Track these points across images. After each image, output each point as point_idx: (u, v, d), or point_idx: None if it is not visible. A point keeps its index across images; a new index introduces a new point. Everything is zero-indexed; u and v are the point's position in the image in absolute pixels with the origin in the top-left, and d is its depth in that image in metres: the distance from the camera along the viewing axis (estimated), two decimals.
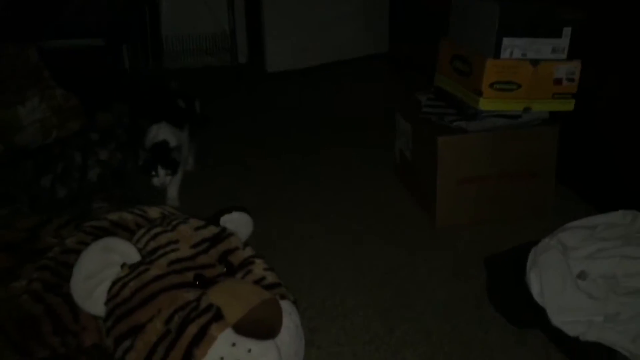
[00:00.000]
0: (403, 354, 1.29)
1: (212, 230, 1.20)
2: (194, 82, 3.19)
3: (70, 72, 2.51)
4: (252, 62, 3.78)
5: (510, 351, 1.29)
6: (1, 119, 2.08)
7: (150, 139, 1.88)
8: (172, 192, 1.94)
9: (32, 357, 1.16)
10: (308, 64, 3.54)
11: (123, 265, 1.11)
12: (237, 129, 2.70)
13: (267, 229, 1.77)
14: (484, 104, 1.71)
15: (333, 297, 1.50)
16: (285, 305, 1.10)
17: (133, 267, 1.10)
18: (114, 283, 1.09)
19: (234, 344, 1.00)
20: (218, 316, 1.02)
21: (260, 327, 1.03)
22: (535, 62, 1.70)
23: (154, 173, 1.82)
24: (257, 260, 1.20)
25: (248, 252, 1.21)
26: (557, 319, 1.25)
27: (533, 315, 1.30)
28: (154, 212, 1.33)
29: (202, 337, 1.00)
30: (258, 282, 1.15)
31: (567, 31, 1.70)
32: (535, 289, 1.30)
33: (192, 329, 1.01)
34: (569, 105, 1.76)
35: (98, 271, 1.09)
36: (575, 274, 1.31)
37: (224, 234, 1.21)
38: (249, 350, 1.00)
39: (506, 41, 1.67)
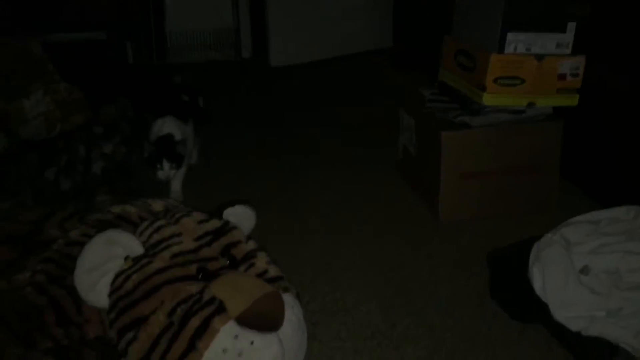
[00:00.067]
0: (405, 348, 1.30)
1: (215, 223, 1.21)
2: (197, 77, 3.19)
3: (74, 66, 2.52)
4: (256, 57, 3.77)
5: (513, 346, 1.29)
6: (6, 112, 2.08)
7: (156, 132, 1.88)
8: (176, 186, 1.94)
9: (35, 349, 1.17)
10: (312, 58, 3.54)
11: (126, 258, 1.11)
12: (240, 124, 2.70)
13: (270, 224, 1.77)
14: (488, 99, 1.71)
15: (335, 292, 1.50)
16: (288, 299, 1.10)
17: (136, 259, 1.11)
18: (117, 275, 1.10)
19: (236, 337, 1.00)
20: (221, 309, 1.02)
21: (262, 319, 1.04)
22: (539, 57, 1.69)
23: (159, 166, 1.83)
24: (260, 254, 1.20)
25: (251, 245, 1.21)
26: (560, 314, 1.25)
27: (535, 310, 1.30)
28: (157, 205, 1.33)
29: (204, 330, 1.00)
30: (260, 275, 1.15)
31: (571, 26, 1.70)
32: (537, 284, 1.30)
33: (195, 322, 1.01)
34: (573, 101, 1.75)
35: (101, 263, 1.09)
36: (578, 269, 1.31)
37: (227, 227, 1.21)
38: (252, 343, 1.00)
39: (510, 36, 1.67)
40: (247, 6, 3.76)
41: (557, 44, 1.71)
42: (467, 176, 1.78)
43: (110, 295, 1.09)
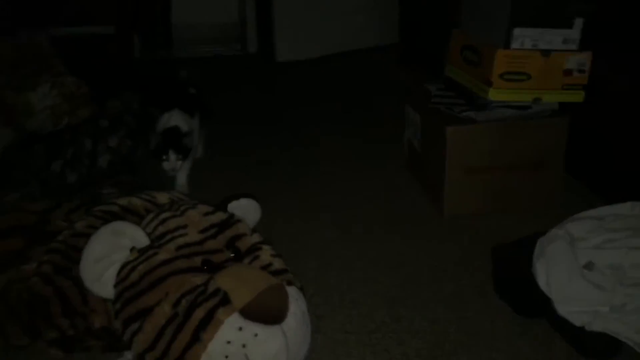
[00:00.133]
0: (408, 342, 1.30)
1: (220, 216, 1.21)
2: (203, 72, 3.20)
3: (81, 60, 2.52)
4: (261, 51, 3.77)
5: (516, 341, 1.29)
6: (13, 104, 2.09)
7: (162, 124, 1.90)
8: (182, 179, 1.95)
9: (41, 338, 1.18)
10: (318, 54, 3.54)
11: (132, 249, 1.12)
12: (245, 119, 2.71)
13: (275, 218, 1.78)
14: (494, 95, 1.71)
15: (339, 285, 1.50)
16: (292, 291, 1.11)
17: (142, 251, 1.12)
18: (122, 266, 1.11)
19: (240, 329, 1.01)
20: (225, 301, 1.03)
21: (266, 312, 1.04)
22: (546, 53, 1.69)
23: (165, 157, 1.84)
24: (265, 247, 1.21)
25: (256, 238, 1.22)
26: (563, 309, 1.25)
27: (539, 305, 1.30)
28: (162, 197, 1.34)
29: (209, 321, 1.01)
30: (265, 268, 1.16)
31: (578, 22, 1.69)
32: (541, 279, 1.30)
33: (200, 313, 1.02)
34: (579, 97, 1.75)
35: (107, 254, 1.10)
36: (582, 264, 1.30)
37: (232, 220, 1.22)
38: (256, 335, 1.01)
39: (517, 31, 1.67)
40: (253, 1, 3.76)
41: (563, 40, 1.71)
42: (472, 171, 1.78)
43: (115, 286, 1.10)
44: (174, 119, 1.91)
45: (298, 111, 2.79)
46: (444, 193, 1.79)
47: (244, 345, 1.01)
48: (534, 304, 1.32)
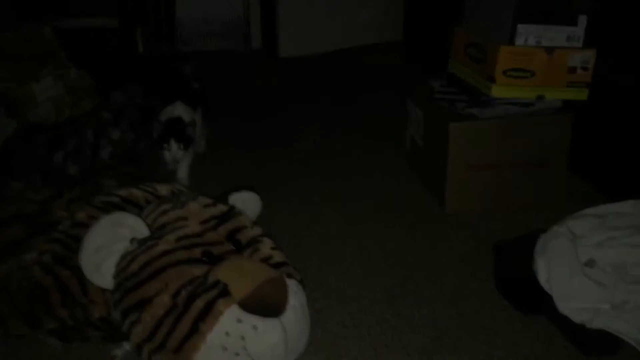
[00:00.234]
0: (408, 337, 1.30)
1: (221, 208, 1.21)
2: (206, 67, 3.19)
3: (85, 52, 2.53)
4: (265, 47, 3.77)
5: (516, 337, 1.29)
6: (16, 95, 2.10)
7: (166, 114, 1.90)
8: (183, 172, 1.95)
9: (41, 328, 1.18)
10: (321, 50, 3.53)
11: (132, 240, 1.12)
12: (248, 114, 2.71)
13: (276, 212, 1.78)
14: (497, 91, 1.70)
15: (340, 280, 1.50)
16: (292, 284, 1.11)
17: (142, 241, 1.12)
18: (122, 257, 1.11)
19: (239, 320, 1.01)
20: (225, 292, 1.03)
21: (266, 304, 1.04)
22: (549, 50, 1.68)
23: (166, 146, 1.84)
24: (265, 239, 1.21)
25: (256, 230, 1.22)
26: (564, 306, 1.25)
27: (540, 302, 1.30)
28: (163, 189, 1.34)
29: (208, 312, 1.01)
30: (265, 260, 1.16)
31: (582, 19, 1.69)
32: (542, 276, 1.30)
33: (199, 304, 1.02)
34: (582, 95, 1.74)
35: (107, 245, 1.10)
36: (584, 261, 1.30)
37: (232, 212, 1.22)
38: (254, 327, 1.01)
39: (521, 28, 1.66)
40: None
41: (567, 37, 1.70)
42: (474, 168, 1.77)
43: (115, 276, 1.10)
44: (177, 110, 1.92)
45: (300, 106, 2.79)
46: (446, 190, 1.79)
47: (242, 337, 1.01)
48: (535, 301, 1.32)
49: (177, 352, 1.01)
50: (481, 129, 1.75)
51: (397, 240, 1.68)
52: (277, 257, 1.18)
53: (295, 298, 1.09)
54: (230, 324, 1.01)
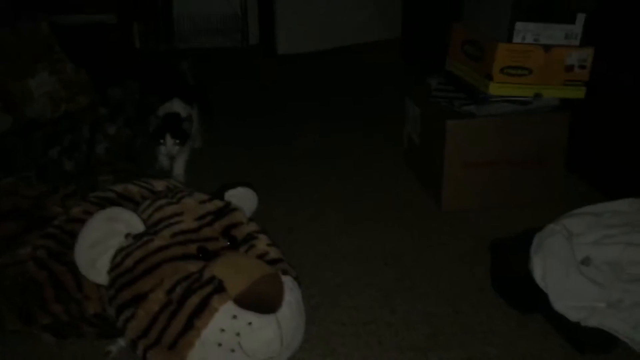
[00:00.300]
0: (403, 335, 1.30)
1: (216, 204, 1.21)
2: (203, 63, 3.18)
3: (83, 48, 2.52)
4: (262, 43, 3.76)
5: (511, 335, 1.29)
6: (12, 90, 2.09)
7: (163, 110, 1.91)
8: (179, 169, 1.95)
9: (35, 324, 1.18)
10: (319, 47, 3.53)
11: (127, 235, 1.12)
12: (246, 111, 2.70)
13: (273, 208, 1.77)
14: (494, 89, 1.70)
15: (336, 277, 1.50)
16: (287, 281, 1.10)
17: (137, 237, 1.11)
18: (117, 252, 1.10)
19: (234, 317, 1.01)
20: (220, 288, 1.03)
21: (261, 301, 1.04)
22: (547, 48, 1.68)
23: (162, 141, 1.84)
24: (261, 236, 1.20)
25: (252, 227, 1.21)
26: (560, 304, 1.25)
27: (535, 300, 1.29)
28: (159, 185, 1.34)
29: (203, 308, 1.01)
30: (261, 256, 1.15)
31: (580, 17, 1.68)
32: (538, 274, 1.30)
33: (194, 300, 1.02)
34: (580, 93, 1.74)
35: (102, 240, 1.10)
36: (580, 259, 1.30)
37: (228, 208, 1.21)
38: (250, 323, 1.01)
39: (519, 25, 1.66)
40: None
41: (565, 35, 1.70)
42: (471, 166, 1.77)
43: (110, 271, 1.10)
44: (175, 106, 1.92)
45: (298, 104, 2.78)
46: (443, 187, 1.79)
47: (237, 334, 1.00)
48: (531, 299, 1.32)
49: (171, 348, 1.01)
50: (478, 126, 1.75)
51: (394, 238, 1.68)
52: (273, 253, 1.18)
53: (291, 294, 1.09)
54: (226, 320, 1.01)
